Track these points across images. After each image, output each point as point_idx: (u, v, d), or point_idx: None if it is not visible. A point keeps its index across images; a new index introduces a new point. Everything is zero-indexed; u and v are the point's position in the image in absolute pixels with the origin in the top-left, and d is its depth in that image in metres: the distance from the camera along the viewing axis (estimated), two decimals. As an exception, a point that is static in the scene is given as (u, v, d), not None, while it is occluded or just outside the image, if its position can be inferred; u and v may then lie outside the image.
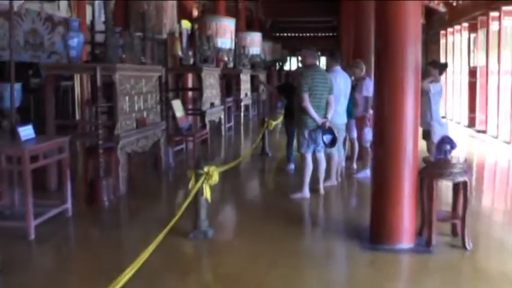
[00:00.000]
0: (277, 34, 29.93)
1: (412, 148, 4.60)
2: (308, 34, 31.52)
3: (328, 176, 6.74)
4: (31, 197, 4.86)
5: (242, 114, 15.08)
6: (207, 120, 10.54)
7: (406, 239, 4.61)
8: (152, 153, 7.94)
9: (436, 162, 4.65)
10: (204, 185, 4.82)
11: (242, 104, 15.01)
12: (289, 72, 29.52)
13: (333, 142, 6.18)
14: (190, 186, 4.83)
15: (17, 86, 7.39)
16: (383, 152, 4.71)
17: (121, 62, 6.60)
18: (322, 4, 27.75)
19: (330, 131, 6.14)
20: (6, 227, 5.06)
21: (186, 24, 11.26)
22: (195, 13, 19.82)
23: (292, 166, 8.10)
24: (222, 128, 12.20)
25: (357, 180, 7.49)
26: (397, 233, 4.62)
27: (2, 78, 8.10)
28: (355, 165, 7.99)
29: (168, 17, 8.92)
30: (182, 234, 4.85)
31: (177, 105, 9.23)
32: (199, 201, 4.86)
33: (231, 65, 15.93)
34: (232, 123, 13.98)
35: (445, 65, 6.62)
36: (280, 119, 12.77)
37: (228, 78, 16.23)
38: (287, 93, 8.05)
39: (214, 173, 4.82)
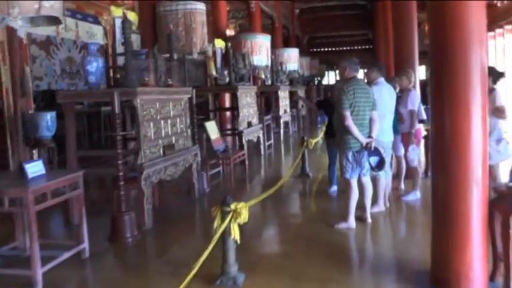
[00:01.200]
0: (314, 49, 28.93)
1: (481, 174, 3.53)
2: (344, 48, 30.40)
3: (375, 200, 5.68)
4: (37, 242, 4.03)
5: (282, 131, 14.08)
6: (244, 140, 9.64)
7: (477, 288, 3.53)
8: (185, 179, 7.06)
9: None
10: (231, 224, 3.87)
11: (281, 120, 14.03)
12: (328, 86, 28.50)
13: (380, 164, 5.13)
14: (215, 225, 3.89)
15: (52, 115, 6.62)
16: (444, 179, 3.65)
17: (143, 85, 5.76)
18: (356, 18, 26.70)
19: (377, 152, 5.10)
20: (13, 276, 4.25)
21: (219, 43, 10.42)
22: (231, 32, 19.08)
23: (334, 188, 7.07)
24: (261, 147, 11.26)
25: (406, 203, 6.38)
26: (465, 281, 3.53)
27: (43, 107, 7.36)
28: (402, 186, 6.89)
29: (198, 36, 8.07)
30: (209, 279, 3.93)
31: (211, 126, 8.35)
32: (226, 242, 3.92)
33: (269, 82, 15.07)
34: (272, 141, 13.03)
35: (501, 74, 5.47)
36: (321, 135, 11.79)
37: (266, 95, 15.37)
38: (327, 110, 7.05)
39: (243, 211, 3.87)
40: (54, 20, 4.55)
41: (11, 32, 9.29)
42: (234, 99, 9.82)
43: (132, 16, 6.36)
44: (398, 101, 6.16)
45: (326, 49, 30.48)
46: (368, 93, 5.16)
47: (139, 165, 5.50)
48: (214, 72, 10.02)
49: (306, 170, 8.31)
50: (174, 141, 6.40)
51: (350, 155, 5.11)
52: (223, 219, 3.85)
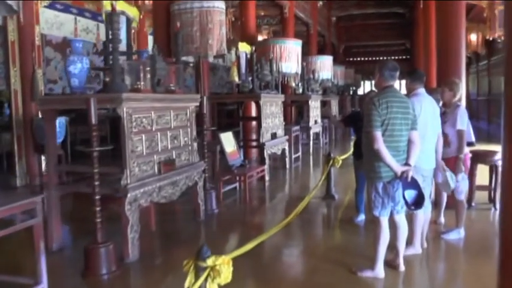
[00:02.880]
0: (350, 59, 27.48)
1: None
2: (381, 58, 28.74)
3: (409, 241, 4.37)
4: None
5: (311, 142, 12.79)
6: (266, 153, 8.44)
7: None
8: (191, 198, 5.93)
9: None
10: (207, 286, 2.69)
11: (311, 131, 12.75)
12: (363, 97, 27.00)
13: (418, 201, 3.83)
14: (186, 285, 2.71)
15: (60, 120, 5.56)
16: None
17: (134, 91, 4.66)
18: (394, 26, 25.21)
19: (414, 184, 3.81)
20: None
21: (244, 47, 9.26)
22: (263, 37, 17.94)
23: (361, 217, 5.81)
24: (287, 160, 10.02)
25: (447, 242, 5.03)
26: None
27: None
28: (442, 219, 5.56)
29: (215, 38, 6.92)
30: None
31: (226, 138, 7.20)
32: (204, 307, 2.73)
33: (299, 91, 13.83)
34: (299, 153, 11.77)
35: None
36: (351, 151, 10.46)
37: (298, 105, 14.13)
38: (356, 125, 5.80)
39: (224, 268, 2.67)
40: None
41: (23, 32, 8.44)
42: (257, 108, 8.65)
43: (133, 11, 5.28)
44: (442, 119, 4.82)
45: (362, 58, 28.95)
46: (407, 107, 3.88)
47: (123, 187, 4.39)
48: (236, 79, 8.88)
49: (331, 191, 7.04)
50: (174, 156, 5.28)
51: (380, 187, 3.84)
52: (197, 278, 2.67)
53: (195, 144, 5.78)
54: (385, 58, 28.58)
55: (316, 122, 13.34)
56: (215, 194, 6.34)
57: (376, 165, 3.79)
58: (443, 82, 5.27)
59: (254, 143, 9.01)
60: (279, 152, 9.44)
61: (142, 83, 4.79)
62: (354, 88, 23.83)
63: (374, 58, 28.75)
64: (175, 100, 5.31)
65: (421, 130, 4.05)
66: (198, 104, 5.83)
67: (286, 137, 9.97)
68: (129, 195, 4.40)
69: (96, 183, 4.13)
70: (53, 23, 10.29)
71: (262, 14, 18.46)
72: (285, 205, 7.05)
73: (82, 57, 4.63)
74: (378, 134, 3.72)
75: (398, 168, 3.75)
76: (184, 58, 7.45)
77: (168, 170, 5.08)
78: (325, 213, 6.50)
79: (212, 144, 7.28)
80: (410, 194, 3.78)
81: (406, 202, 3.79)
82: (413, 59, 23.96)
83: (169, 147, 5.19)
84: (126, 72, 4.98)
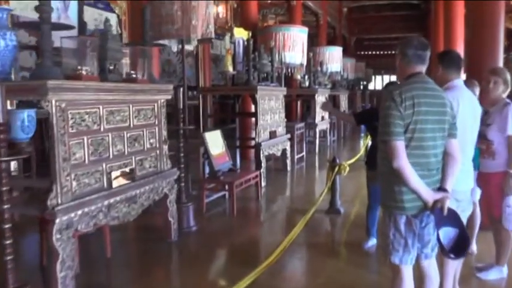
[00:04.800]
0: (362, 52, 26.04)
1: None
2: (393, 52, 27.10)
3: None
4: None
5: (317, 141, 11.49)
6: (262, 155, 7.20)
7: None
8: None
9: None
10: None
11: (317, 129, 11.46)
12: (375, 92, 25.53)
13: (460, 244, 2.54)
14: None
15: (30, 113, 4.33)
16: None
17: (72, 78, 3.43)
18: (408, 18, 23.75)
19: (453, 219, 2.51)
20: None
21: (240, 33, 8.01)
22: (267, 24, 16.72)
23: (373, 242, 4.56)
24: (288, 161, 8.77)
25: (483, 284, 3.74)
26: None
27: None
28: (475, 247, 4.29)
29: (200, 18, 5.67)
30: None
31: (213, 138, 5.97)
32: None
33: (306, 84, 12.53)
34: (304, 153, 10.51)
35: None
36: (361, 153, 9.19)
37: (304, 99, 12.84)
38: (371, 125, 4.54)
39: None
40: None
41: None
42: (253, 102, 7.41)
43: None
44: (482, 121, 3.51)
45: (374, 52, 27.45)
46: (443, 105, 2.59)
47: (50, 209, 3.18)
48: (231, 69, 7.63)
49: (337, 204, 5.78)
50: (134, 164, 4.07)
51: (402, 222, 2.57)
52: None
53: (166, 148, 4.56)
54: (397, 52, 27.08)
55: (323, 118, 12.05)
56: (193, 208, 5.10)
57: (397, 190, 2.53)
58: (489, 71, 3.87)
59: (251, 143, 7.78)
60: (279, 153, 8.19)
61: (87, 68, 3.56)
62: (365, 83, 22.43)
63: (386, 52, 27.30)
64: (136, 91, 4.07)
65: (458, 138, 2.76)
66: (170, 96, 4.60)
67: (288, 135, 8.71)
68: (58, 220, 3.19)
69: (5, 206, 2.91)
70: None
71: (269, 1, 17.14)
72: (280, 221, 5.80)
73: (5, 32, 3.41)
74: (399, 145, 2.45)
75: (430, 196, 2.48)
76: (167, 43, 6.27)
77: (127, 182, 3.87)
78: (328, 234, 5.20)
79: (195, 145, 6.05)
80: (447, 233, 2.50)
81: (441, 245, 2.52)
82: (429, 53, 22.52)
83: (126, 152, 3.97)
84: (70, 55, 3.78)
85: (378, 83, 26.86)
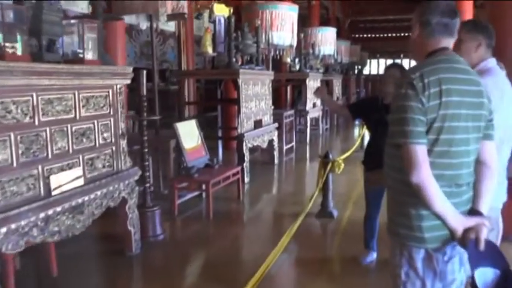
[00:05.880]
0: (356, 35, 25.31)
1: None
2: (389, 35, 26.59)
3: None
4: None
5: (308, 130, 10.85)
6: (245, 147, 6.57)
7: None
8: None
9: None
10: None
11: (308, 117, 10.83)
12: (370, 77, 24.85)
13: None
14: None
15: None
16: None
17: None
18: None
19: (494, 255, 1.88)
20: None
21: (221, 10, 7.32)
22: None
23: (372, 257, 3.95)
24: (275, 153, 8.14)
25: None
26: None
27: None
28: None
29: (171, -10, 4.99)
30: None
31: (187, 129, 5.31)
32: None
33: (296, 67, 11.88)
34: (293, 144, 9.89)
35: None
36: (356, 144, 8.57)
37: (294, 84, 12.19)
38: (368, 119, 3.90)
39: None
40: None
41: None
42: (235, 88, 6.74)
43: None
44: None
45: (369, 35, 26.73)
46: (479, 93, 1.92)
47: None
48: (210, 50, 6.94)
49: (329, 207, 5.17)
50: (81, 163, 3.40)
51: (419, 259, 1.91)
52: None
53: (124, 143, 3.90)
54: (393, 35, 26.51)
55: (314, 105, 11.44)
56: (160, 212, 4.45)
57: (413, 214, 1.89)
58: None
59: (235, 133, 7.14)
60: (265, 145, 7.55)
61: (13, 44, 2.88)
62: (360, 67, 21.78)
63: (381, 35, 26.68)
64: (83, 75, 3.39)
65: (496, 139, 2.13)
66: (128, 80, 3.93)
67: (276, 124, 8.08)
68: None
69: None
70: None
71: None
72: (264, 227, 5.16)
73: None
74: (420, 150, 1.80)
75: (460, 223, 1.84)
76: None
77: (71, 189, 3.21)
78: (319, 245, 4.52)
79: (165, 138, 5.39)
80: (484, 275, 1.87)
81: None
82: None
83: (71, 150, 3.31)
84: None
85: (373, 67, 26.18)
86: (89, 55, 3.51)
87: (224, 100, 8.11)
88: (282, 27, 8.94)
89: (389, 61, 26.63)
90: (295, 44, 9.48)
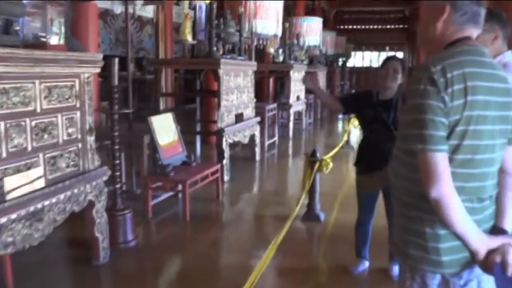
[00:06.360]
0: (341, 26, 25.14)
1: None
2: (375, 26, 26.48)
3: None
4: None
5: (291, 124, 10.60)
6: (225, 143, 6.30)
7: None
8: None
9: None
10: None
11: (292, 110, 10.58)
12: (355, 70, 24.68)
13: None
14: None
15: None
16: None
17: None
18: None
19: None
20: None
21: (202, -5, 7.02)
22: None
23: (364, 266, 3.72)
24: (257, 149, 7.88)
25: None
26: None
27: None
28: None
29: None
30: None
31: (162, 124, 5.02)
32: None
33: (280, 58, 11.63)
34: (276, 139, 9.64)
35: None
36: (343, 140, 8.35)
37: (277, 76, 11.92)
38: (362, 115, 3.63)
39: None
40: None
41: None
42: (216, 79, 6.45)
43: None
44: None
45: (354, 27, 26.58)
46: (507, 91, 1.67)
47: None
48: (190, 38, 6.63)
49: (316, 209, 4.93)
50: (41, 163, 3.09)
51: (434, 285, 1.67)
52: None
53: (92, 139, 3.59)
54: (379, 27, 26.41)
55: (298, 98, 11.19)
56: (132, 216, 4.16)
57: (429, 234, 1.64)
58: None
59: (214, 127, 6.86)
60: (246, 140, 7.28)
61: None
62: (344, 59, 21.61)
63: (368, 26, 26.59)
64: (45, 61, 3.07)
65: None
66: (98, 69, 3.61)
67: (258, 118, 7.81)
68: None
69: None
70: None
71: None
72: (245, 230, 4.88)
73: None
74: (441, 159, 1.55)
75: (483, 244, 1.61)
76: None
77: (25, 192, 2.90)
78: (305, 253, 4.23)
79: (139, 133, 5.07)
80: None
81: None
82: (413, 29, 21.87)
83: (29, 147, 2.99)
84: None
85: (358, 59, 26.03)
86: (54, 39, 3.20)
87: (203, 92, 7.81)
88: (267, 15, 8.66)
89: (375, 54, 26.62)
90: (279, 33, 9.21)
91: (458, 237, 1.61)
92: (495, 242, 1.63)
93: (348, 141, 8.80)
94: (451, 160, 1.58)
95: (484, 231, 1.66)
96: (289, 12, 16.25)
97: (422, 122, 1.55)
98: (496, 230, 1.70)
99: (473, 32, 1.71)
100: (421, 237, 1.67)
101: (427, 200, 1.58)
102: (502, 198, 1.74)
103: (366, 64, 25.89)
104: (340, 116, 14.26)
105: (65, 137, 3.32)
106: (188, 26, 6.66)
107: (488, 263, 1.61)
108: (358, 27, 26.61)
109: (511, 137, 1.73)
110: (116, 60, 3.91)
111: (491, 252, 1.61)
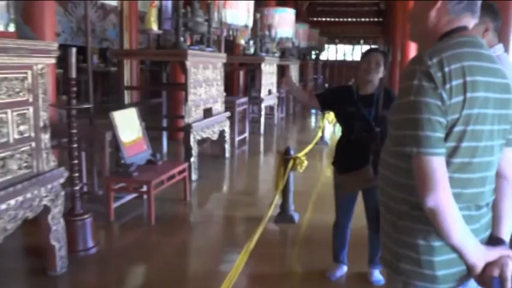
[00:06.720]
0: (315, 19, 25.10)
1: None
2: (349, 19, 26.55)
3: None
4: None
5: (263, 119, 10.44)
6: (193, 140, 6.11)
7: None
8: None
9: None
10: None
11: (263, 105, 10.42)
12: (328, 63, 24.63)
13: None
14: None
15: None
16: None
17: None
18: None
19: None
20: None
21: (168, -18, 6.78)
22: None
23: (342, 270, 3.60)
24: (227, 146, 7.71)
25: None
26: None
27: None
28: None
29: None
30: None
31: (124, 119, 4.80)
32: None
33: (251, 50, 11.45)
34: (246, 134, 9.47)
35: None
36: (317, 137, 8.24)
37: (248, 69, 11.75)
38: (341, 115, 3.46)
39: None
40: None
41: None
42: (183, 71, 6.25)
43: None
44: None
45: (328, 19, 26.58)
46: (507, 88, 1.55)
47: None
48: (155, 27, 6.39)
49: (289, 210, 4.79)
50: (-12, 164, 2.86)
51: None
52: None
53: (47, 137, 3.36)
54: (353, 20, 26.50)
55: (270, 92, 11.05)
56: (92, 221, 3.93)
57: (423, 246, 1.50)
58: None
59: (182, 123, 6.66)
60: (215, 136, 7.10)
61: None
62: (318, 52, 21.56)
63: (341, 19, 26.64)
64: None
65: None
66: (53, 59, 3.38)
67: (227, 113, 7.63)
68: None
69: None
70: None
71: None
72: (214, 233, 4.70)
73: None
74: (438, 163, 1.42)
75: (480, 257, 1.49)
76: None
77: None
78: (279, 257, 4.08)
79: (100, 129, 4.83)
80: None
81: None
82: (388, 23, 22.03)
83: (-27, 147, 2.76)
84: None
85: (331, 53, 26.03)
86: (0, 26, 2.95)
87: (170, 85, 7.58)
88: (237, 5, 8.48)
89: (349, 47, 26.68)
90: (250, 24, 9.05)
91: (454, 249, 1.48)
92: (493, 254, 1.51)
93: (322, 137, 8.71)
94: (448, 164, 1.45)
95: (481, 241, 1.54)
96: (261, 2, 16.11)
97: (417, 122, 1.41)
98: (493, 239, 1.59)
99: (470, 21, 1.58)
100: (413, 249, 1.53)
101: (420, 208, 1.45)
102: (499, 205, 1.63)
103: (340, 57, 25.90)
104: (313, 111, 14.22)
105: (16, 136, 3.07)
106: (153, 14, 6.41)
107: (486, 278, 1.50)
108: (332, 19, 26.65)
109: (510, 138, 1.61)
110: (74, 50, 3.67)
111: (488, 266, 1.50)
